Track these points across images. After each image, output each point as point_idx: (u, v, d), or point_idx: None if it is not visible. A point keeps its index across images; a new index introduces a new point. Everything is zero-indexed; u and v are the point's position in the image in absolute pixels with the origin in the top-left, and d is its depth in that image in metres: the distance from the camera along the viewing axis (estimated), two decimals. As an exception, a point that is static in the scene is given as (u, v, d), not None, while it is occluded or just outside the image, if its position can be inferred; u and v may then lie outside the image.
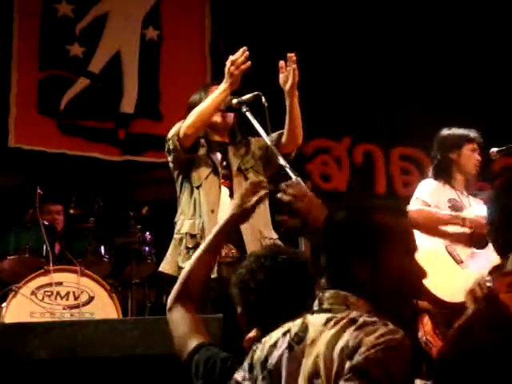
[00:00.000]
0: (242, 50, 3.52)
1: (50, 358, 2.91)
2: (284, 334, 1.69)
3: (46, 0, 6.28)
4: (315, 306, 1.71)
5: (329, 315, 1.65)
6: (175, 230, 3.68)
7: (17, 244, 4.72)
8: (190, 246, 3.56)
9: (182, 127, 3.61)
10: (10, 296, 4.30)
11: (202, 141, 3.75)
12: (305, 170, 6.52)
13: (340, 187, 6.84)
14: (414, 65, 6.85)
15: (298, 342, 1.64)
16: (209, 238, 2.34)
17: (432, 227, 4.03)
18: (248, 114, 3.47)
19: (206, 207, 3.57)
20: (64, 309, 4.38)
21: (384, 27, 6.83)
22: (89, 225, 5.07)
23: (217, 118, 3.70)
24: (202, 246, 2.34)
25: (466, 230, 4.07)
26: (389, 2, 6.87)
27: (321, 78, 6.64)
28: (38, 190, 4.70)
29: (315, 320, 1.66)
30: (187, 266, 2.34)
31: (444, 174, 4.26)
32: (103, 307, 4.42)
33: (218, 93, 3.56)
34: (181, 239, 3.61)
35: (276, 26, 6.58)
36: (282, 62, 3.62)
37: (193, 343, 2.13)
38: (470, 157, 4.27)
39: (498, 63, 6.90)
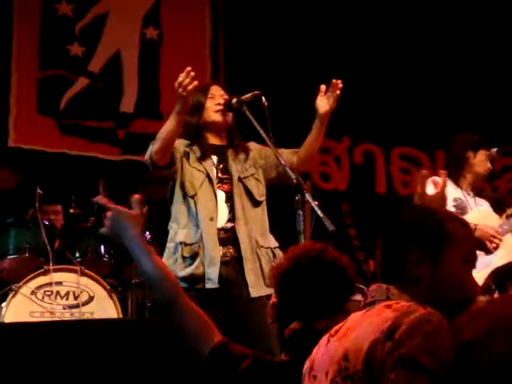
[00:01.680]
0: (186, 71, 3.49)
1: (50, 358, 2.91)
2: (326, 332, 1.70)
3: (45, 0, 6.28)
4: (363, 301, 1.72)
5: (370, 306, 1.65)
6: (168, 239, 3.67)
7: (17, 244, 4.72)
8: (186, 255, 3.53)
9: (151, 151, 3.60)
10: (10, 296, 4.30)
11: (194, 147, 3.70)
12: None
13: (340, 187, 6.84)
14: (414, 65, 6.86)
15: (333, 335, 1.65)
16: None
17: None
18: (248, 114, 3.47)
19: (203, 216, 3.54)
20: (64, 308, 4.38)
21: (384, 27, 6.84)
22: (89, 224, 5.07)
23: (217, 118, 3.68)
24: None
25: None
26: (389, 4, 6.87)
27: (321, 78, 6.63)
28: (38, 190, 4.71)
29: (358, 314, 1.66)
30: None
31: (454, 172, 4.26)
32: (103, 307, 4.42)
33: (172, 117, 3.54)
34: (175, 248, 3.60)
35: (276, 25, 6.58)
36: (323, 86, 3.60)
37: (213, 339, 2.02)
38: (483, 161, 4.27)
39: (498, 63, 6.91)
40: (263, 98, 3.46)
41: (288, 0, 6.71)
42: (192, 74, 3.45)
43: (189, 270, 3.48)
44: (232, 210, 3.57)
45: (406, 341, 1.47)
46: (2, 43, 6.07)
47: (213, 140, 3.71)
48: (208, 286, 3.44)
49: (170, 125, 3.50)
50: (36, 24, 6.20)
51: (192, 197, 3.59)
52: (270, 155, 3.67)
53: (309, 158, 3.70)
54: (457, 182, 4.26)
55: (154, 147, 3.56)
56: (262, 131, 3.37)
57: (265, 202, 3.68)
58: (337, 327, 1.66)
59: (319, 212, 2.90)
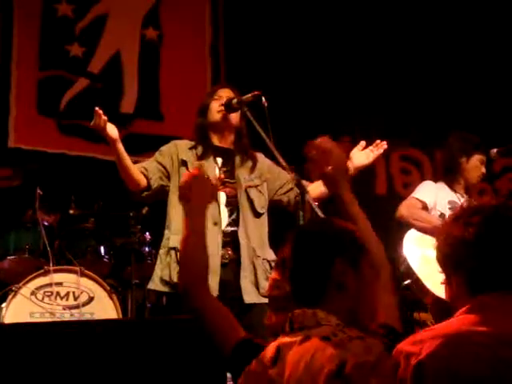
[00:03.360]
0: (96, 112, 3.53)
1: (49, 358, 2.90)
2: (257, 360, 1.71)
3: (45, 0, 6.27)
4: (285, 328, 1.73)
5: (301, 335, 1.66)
6: (163, 244, 3.66)
7: (16, 244, 4.73)
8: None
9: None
10: (10, 296, 4.30)
11: (198, 148, 3.69)
12: (305, 170, 6.50)
13: (340, 187, 6.83)
14: (415, 65, 6.86)
15: (271, 365, 1.66)
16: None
17: (418, 227, 4.05)
18: (248, 114, 3.47)
19: (206, 222, 3.53)
20: (64, 309, 4.38)
21: (384, 27, 6.83)
22: (89, 225, 5.07)
23: (218, 118, 3.68)
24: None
25: None
26: (389, 4, 6.87)
27: (321, 78, 6.64)
28: (38, 191, 4.70)
29: (288, 341, 1.68)
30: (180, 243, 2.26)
31: (448, 175, 4.27)
32: (103, 307, 4.42)
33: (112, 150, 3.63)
34: (166, 253, 3.59)
35: (276, 25, 6.58)
36: (363, 142, 3.63)
37: (238, 332, 2.00)
38: (476, 167, 4.26)
39: (498, 63, 6.90)
40: (263, 98, 3.45)
41: (288, 0, 6.71)
42: (100, 112, 3.49)
43: None
44: (232, 214, 3.57)
45: (354, 376, 1.52)
46: (2, 43, 6.07)
47: (218, 142, 3.70)
48: None
49: (116, 160, 3.59)
50: (36, 24, 6.20)
51: None
52: (278, 175, 3.67)
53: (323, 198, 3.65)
54: (451, 186, 4.26)
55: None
56: (262, 131, 3.36)
57: (265, 215, 3.66)
58: (271, 355, 1.68)
59: (319, 212, 2.89)
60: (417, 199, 4.21)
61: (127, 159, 3.61)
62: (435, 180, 4.41)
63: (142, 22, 6.53)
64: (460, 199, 4.24)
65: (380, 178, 6.96)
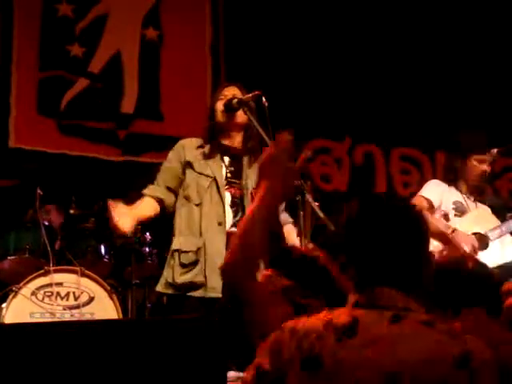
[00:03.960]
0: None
1: (49, 359, 2.90)
2: (325, 326, 1.64)
3: (46, 0, 6.27)
4: (360, 301, 1.68)
5: (389, 312, 1.62)
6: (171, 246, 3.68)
7: (17, 244, 4.73)
8: (185, 262, 3.52)
9: None
10: (10, 296, 4.30)
11: (205, 148, 3.69)
12: (305, 171, 6.51)
13: (340, 187, 6.84)
14: (415, 65, 6.85)
15: (349, 336, 1.61)
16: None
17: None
18: (248, 114, 3.47)
19: (210, 221, 3.53)
20: (64, 309, 4.38)
21: (384, 27, 6.83)
22: (89, 225, 5.07)
23: (222, 118, 3.68)
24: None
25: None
26: (389, 4, 6.87)
27: (321, 78, 6.64)
28: (38, 191, 4.70)
29: (370, 315, 1.63)
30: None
31: (453, 176, 4.28)
32: (103, 308, 4.42)
33: None
34: (171, 256, 3.60)
35: (276, 25, 6.58)
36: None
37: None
38: (474, 168, 4.27)
39: (498, 63, 6.90)
40: (263, 98, 3.46)
41: (288, 0, 6.71)
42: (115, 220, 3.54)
43: (188, 277, 3.47)
44: (237, 215, 3.56)
45: (481, 371, 1.51)
46: (3, 44, 6.07)
47: (226, 141, 3.70)
48: (211, 294, 3.42)
49: None
50: (36, 24, 6.20)
51: (197, 204, 3.57)
52: None
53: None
54: (457, 186, 4.28)
55: None
56: (262, 131, 3.36)
57: None
58: (345, 323, 1.62)
59: (320, 213, 2.89)
60: (424, 197, 4.23)
61: (146, 214, 3.63)
62: (443, 180, 4.42)
63: (142, 22, 6.53)
64: (466, 200, 4.25)
65: (380, 178, 6.96)
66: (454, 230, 4.07)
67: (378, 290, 1.67)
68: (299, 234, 3.18)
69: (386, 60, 6.81)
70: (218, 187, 3.57)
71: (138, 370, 3.01)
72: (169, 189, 3.68)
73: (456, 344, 1.54)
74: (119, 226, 3.47)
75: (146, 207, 3.66)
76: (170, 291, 3.55)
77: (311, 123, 6.58)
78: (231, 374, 2.85)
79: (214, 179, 3.59)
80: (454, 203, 4.21)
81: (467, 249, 4.03)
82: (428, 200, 4.20)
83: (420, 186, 6.95)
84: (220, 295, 3.37)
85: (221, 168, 3.63)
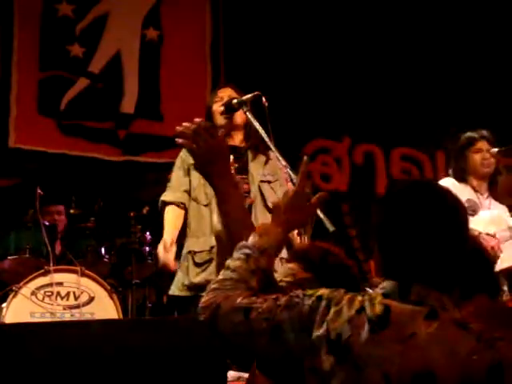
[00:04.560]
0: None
1: (50, 359, 2.91)
2: (359, 311, 1.60)
3: (46, 0, 6.27)
4: (393, 292, 1.63)
5: (423, 308, 1.58)
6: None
7: (17, 244, 4.73)
8: (199, 261, 3.54)
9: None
10: (11, 296, 4.31)
11: None
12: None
13: (340, 187, 6.84)
14: (415, 65, 6.86)
15: (381, 327, 1.57)
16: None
17: None
18: (248, 114, 3.47)
19: (217, 224, 3.54)
20: (64, 309, 4.38)
21: (384, 27, 6.83)
22: (89, 225, 5.08)
23: (221, 121, 3.68)
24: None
25: None
26: (389, 4, 6.87)
27: (321, 78, 6.64)
28: (38, 191, 4.71)
29: (403, 308, 1.59)
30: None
31: (461, 177, 4.28)
32: (103, 307, 4.42)
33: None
34: (184, 257, 3.61)
35: (276, 25, 6.58)
36: None
37: None
38: (474, 159, 4.27)
39: (498, 63, 6.90)
40: (263, 99, 3.46)
41: (288, 0, 6.71)
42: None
43: (203, 276, 3.48)
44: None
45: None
46: (3, 44, 6.07)
47: (229, 141, 3.70)
48: None
49: None
50: (36, 25, 6.20)
51: (206, 205, 3.58)
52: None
53: None
54: (469, 184, 4.26)
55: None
56: (262, 131, 3.36)
57: None
58: (378, 313, 1.58)
59: (320, 213, 2.89)
60: None
61: (178, 227, 3.68)
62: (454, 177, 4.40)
63: (143, 22, 6.53)
64: (479, 197, 4.23)
65: (380, 178, 6.96)
66: (479, 234, 4.03)
67: (413, 284, 1.62)
68: (299, 234, 3.18)
69: (386, 60, 6.81)
70: None
71: (139, 369, 3.01)
72: (186, 191, 3.70)
73: (490, 353, 1.52)
74: (167, 267, 3.51)
75: (177, 220, 3.71)
76: (186, 293, 3.56)
77: (311, 123, 6.58)
78: (231, 373, 2.85)
79: None
80: (467, 201, 4.19)
81: (489, 251, 4.00)
82: None
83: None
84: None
85: None
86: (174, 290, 3.64)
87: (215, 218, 3.51)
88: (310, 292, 1.67)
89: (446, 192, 1.70)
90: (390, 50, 6.84)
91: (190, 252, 3.56)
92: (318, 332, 1.61)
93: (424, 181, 1.86)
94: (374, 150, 6.96)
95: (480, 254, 1.98)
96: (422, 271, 1.62)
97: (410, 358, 1.54)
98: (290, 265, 2.15)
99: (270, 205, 3.60)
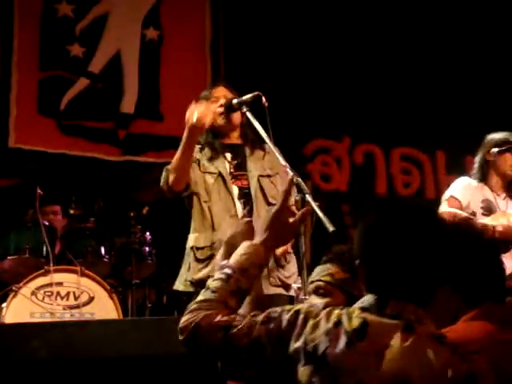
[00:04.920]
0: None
1: (50, 358, 2.91)
2: (336, 324, 1.64)
3: (46, 0, 6.28)
4: (371, 306, 1.67)
5: (400, 322, 1.61)
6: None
7: (17, 244, 4.72)
8: (200, 257, 3.54)
9: (168, 182, 3.58)
10: (11, 296, 4.30)
11: (205, 150, 3.69)
12: (305, 171, 6.53)
13: (340, 187, 6.84)
14: (415, 65, 6.86)
15: (358, 339, 1.60)
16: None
17: None
18: (248, 114, 3.47)
19: (222, 216, 3.53)
20: (64, 309, 4.38)
21: (384, 27, 6.83)
22: (89, 225, 5.07)
23: (221, 121, 3.68)
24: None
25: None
26: (389, 4, 6.88)
27: (321, 78, 6.64)
28: (38, 191, 4.71)
29: (380, 322, 1.63)
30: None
31: (482, 175, 4.25)
32: (103, 307, 4.42)
33: (183, 146, 3.53)
34: (187, 254, 3.61)
35: (276, 25, 6.58)
36: None
37: None
38: (505, 159, 4.24)
39: (498, 62, 6.90)
40: (263, 99, 3.46)
41: (288, 0, 6.71)
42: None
43: (205, 272, 3.48)
44: (246, 206, 3.58)
45: None
46: (3, 44, 6.07)
47: (225, 140, 3.71)
48: None
49: (181, 154, 3.51)
50: (36, 24, 6.20)
51: (206, 201, 3.59)
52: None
53: None
54: (487, 184, 4.23)
55: (170, 178, 3.54)
56: (262, 131, 3.36)
57: None
58: (355, 327, 1.61)
59: (320, 213, 2.88)
60: (455, 198, 4.18)
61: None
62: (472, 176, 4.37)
63: (143, 22, 6.53)
64: (496, 198, 4.21)
65: (380, 178, 6.96)
66: (494, 230, 4.02)
67: (390, 298, 1.66)
68: (298, 235, 3.18)
69: (386, 60, 6.81)
70: (224, 182, 3.60)
71: (139, 369, 3.02)
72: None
73: (465, 365, 1.55)
74: (202, 121, 3.41)
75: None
76: (190, 289, 3.56)
77: (311, 123, 6.58)
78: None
79: (220, 174, 3.61)
80: (483, 202, 4.17)
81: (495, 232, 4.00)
82: (459, 201, 4.16)
83: (421, 186, 7.01)
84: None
85: (224, 164, 3.64)
86: (179, 285, 3.64)
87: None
88: (287, 307, 1.71)
89: (424, 211, 1.74)
90: (390, 50, 6.84)
91: (192, 248, 3.57)
92: (296, 345, 1.65)
93: (403, 200, 1.91)
94: (374, 150, 6.96)
95: (493, 259, 2.00)
96: (400, 286, 1.66)
97: (386, 370, 1.57)
98: (329, 265, 2.31)
99: (269, 199, 3.60)
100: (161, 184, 3.64)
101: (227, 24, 6.66)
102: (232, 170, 3.63)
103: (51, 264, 4.44)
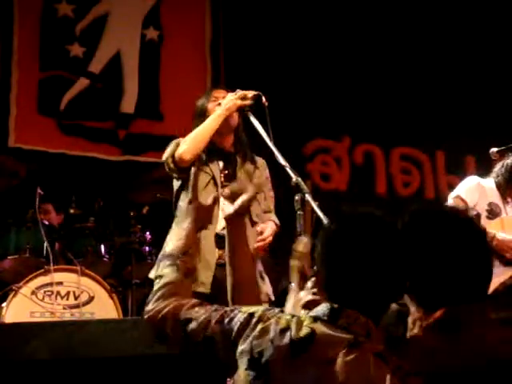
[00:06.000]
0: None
1: (50, 358, 2.91)
2: (283, 331, 1.65)
3: (46, 0, 6.28)
4: (323, 316, 1.67)
5: (348, 336, 1.61)
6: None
7: (17, 244, 4.73)
8: None
9: (178, 151, 3.56)
10: (11, 296, 4.31)
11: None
12: (305, 170, 6.53)
13: (340, 187, 6.84)
14: (415, 65, 6.86)
15: (303, 351, 1.60)
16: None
17: None
18: (248, 114, 3.47)
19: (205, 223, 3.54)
20: (64, 308, 4.38)
21: (384, 27, 6.84)
22: (89, 225, 5.07)
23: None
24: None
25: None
26: (389, 4, 6.88)
27: (321, 78, 6.64)
28: (38, 191, 4.71)
29: (326, 332, 1.63)
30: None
31: (503, 178, 4.13)
32: (103, 307, 4.42)
33: (215, 118, 3.55)
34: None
35: (276, 25, 6.59)
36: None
37: None
38: None
39: (497, 62, 6.91)
40: (263, 99, 3.46)
41: (288, 0, 6.71)
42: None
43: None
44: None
45: None
46: (3, 43, 6.08)
47: (218, 144, 3.70)
48: (200, 289, 3.43)
49: (211, 125, 3.52)
50: (36, 24, 6.21)
51: (196, 198, 3.60)
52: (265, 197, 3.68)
53: None
54: (501, 189, 4.13)
55: (181, 148, 3.54)
56: (262, 131, 3.36)
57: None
58: (301, 336, 1.62)
59: (319, 212, 2.88)
60: (461, 198, 4.11)
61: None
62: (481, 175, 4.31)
63: (143, 22, 6.54)
64: (504, 203, 4.12)
65: (380, 178, 6.97)
66: (493, 237, 3.95)
67: (343, 309, 1.65)
68: (299, 234, 3.17)
69: (386, 60, 6.82)
70: (214, 186, 3.60)
71: (139, 369, 3.02)
72: None
73: None
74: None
75: None
76: (203, 290, 3.56)
77: (311, 123, 6.58)
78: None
79: (213, 178, 3.62)
80: (489, 205, 4.10)
81: (507, 255, 3.94)
82: (465, 201, 4.09)
83: (421, 186, 7.00)
84: (208, 291, 3.40)
85: (217, 170, 3.65)
86: (194, 286, 3.65)
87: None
88: (244, 309, 1.73)
89: (385, 223, 1.75)
90: (390, 50, 6.84)
91: None
92: (242, 347, 1.67)
93: (365, 211, 1.93)
94: (374, 149, 6.96)
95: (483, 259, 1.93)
96: (355, 296, 1.66)
97: (322, 383, 1.58)
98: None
99: (253, 216, 3.59)
100: (164, 157, 3.63)
101: (227, 24, 6.66)
102: (222, 180, 3.63)
103: (51, 263, 4.44)
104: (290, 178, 3.23)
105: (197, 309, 1.80)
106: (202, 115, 3.69)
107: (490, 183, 4.16)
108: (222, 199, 3.57)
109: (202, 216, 2.18)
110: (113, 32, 6.43)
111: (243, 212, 2.09)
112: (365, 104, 6.69)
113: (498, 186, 4.12)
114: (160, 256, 2.05)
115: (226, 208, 2.08)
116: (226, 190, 2.12)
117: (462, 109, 6.77)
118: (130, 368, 3.00)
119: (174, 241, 2.05)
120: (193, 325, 1.77)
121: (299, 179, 3.16)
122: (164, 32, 6.58)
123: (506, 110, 6.68)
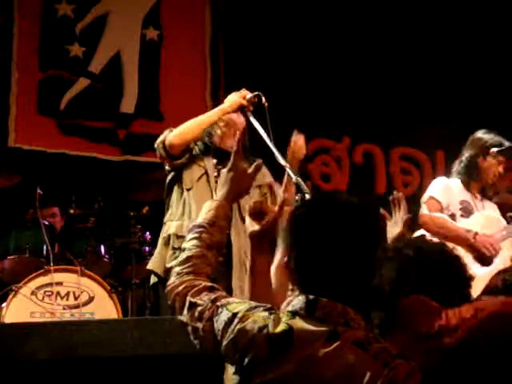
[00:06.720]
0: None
1: (50, 358, 2.91)
2: (260, 330, 1.62)
3: (46, 0, 6.28)
4: (300, 310, 1.64)
5: (325, 328, 1.59)
6: (163, 231, 3.69)
7: (17, 244, 4.73)
8: (176, 246, 3.55)
9: (168, 135, 3.60)
10: (10, 296, 4.31)
11: (199, 143, 3.73)
12: (305, 170, 6.52)
13: (340, 187, 6.84)
14: (414, 65, 6.86)
15: (282, 349, 1.58)
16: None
17: (441, 235, 3.95)
18: (248, 114, 3.48)
19: (197, 210, 3.55)
20: (64, 309, 4.39)
21: (383, 27, 6.83)
22: (89, 225, 5.08)
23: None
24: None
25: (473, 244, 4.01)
26: (388, 4, 6.87)
27: (321, 78, 6.64)
28: (38, 190, 4.71)
29: (305, 327, 1.60)
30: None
31: (464, 175, 4.21)
32: (103, 307, 4.43)
33: (216, 113, 3.56)
34: (168, 240, 3.62)
35: (276, 25, 6.58)
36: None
37: None
38: (492, 166, 4.21)
39: (497, 62, 6.90)
40: (263, 99, 3.46)
41: (288, 0, 6.71)
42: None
43: (175, 262, 3.49)
44: None
45: None
46: (3, 43, 6.07)
47: (217, 143, 3.72)
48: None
49: (210, 117, 3.54)
50: (36, 24, 6.21)
51: (188, 189, 3.62)
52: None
53: None
54: (466, 185, 4.20)
55: (175, 131, 3.56)
56: (262, 131, 3.37)
57: None
58: (278, 332, 1.60)
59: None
60: (435, 199, 4.15)
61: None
62: (447, 175, 4.35)
63: (143, 22, 6.53)
64: (473, 199, 4.19)
65: (380, 178, 6.96)
66: (475, 234, 4.01)
67: (318, 299, 1.63)
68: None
69: (386, 60, 6.81)
70: (207, 181, 3.62)
71: (138, 370, 3.02)
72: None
73: (385, 371, 1.53)
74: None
75: None
76: (160, 271, 3.58)
77: (311, 123, 6.57)
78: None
79: (206, 173, 3.64)
80: (461, 203, 4.15)
81: (487, 252, 3.98)
82: (440, 202, 4.14)
83: (420, 186, 6.99)
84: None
85: (211, 165, 3.67)
86: (154, 265, 3.66)
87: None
88: (230, 307, 1.71)
89: (356, 207, 1.70)
90: (390, 51, 6.84)
91: (173, 234, 3.60)
92: (224, 348, 1.67)
93: (328, 196, 1.91)
94: (374, 149, 6.96)
95: (450, 265, 1.93)
96: (329, 284, 1.63)
97: (304, 379, 1.57)
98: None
99: (242, 212, 3.58)
100: (155, 144, 3.66)
101: (227, 24, 6.66)
102: (216, 175, 3.64)
103: (51, 264, 4.44)
104: (290, 178, 3.24)
105: (204, 293, 1.79)
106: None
107: (456, 182, 4.23)
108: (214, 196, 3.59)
109: (241, 187, 2.10)
110: (113, 32, 6.43)
111: (268, 231, 2.00)
112: (365, 104, 6.68)
113: (464, 183, 4.19)
114: (190, 225, 1.98)
115: (249, 225, 2.02)
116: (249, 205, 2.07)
117: (462, 109, 6.77)
118: (129, 368, 3.00)
119: (204, 211, 1.99)
120: (193, 311, 1.77)
121: (299, 179, 3.16)
122: (164, 32, 6.58)
123: (505, 110, 6.67)
